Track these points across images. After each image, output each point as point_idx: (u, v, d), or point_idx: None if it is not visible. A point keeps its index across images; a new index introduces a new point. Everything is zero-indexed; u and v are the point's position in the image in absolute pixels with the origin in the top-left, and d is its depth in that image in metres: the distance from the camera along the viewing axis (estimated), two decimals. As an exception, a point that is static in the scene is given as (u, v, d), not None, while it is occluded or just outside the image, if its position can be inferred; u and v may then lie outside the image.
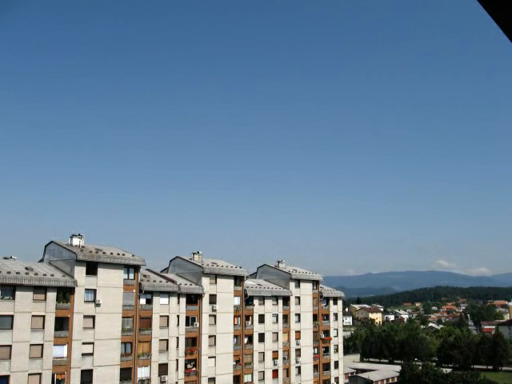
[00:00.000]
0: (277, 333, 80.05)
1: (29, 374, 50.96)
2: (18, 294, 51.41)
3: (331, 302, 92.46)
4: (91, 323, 56.37)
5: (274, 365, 78.80)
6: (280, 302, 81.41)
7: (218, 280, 72.57)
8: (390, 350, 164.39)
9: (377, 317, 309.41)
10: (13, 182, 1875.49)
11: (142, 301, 62.20)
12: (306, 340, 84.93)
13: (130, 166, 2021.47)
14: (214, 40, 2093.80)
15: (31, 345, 51.45)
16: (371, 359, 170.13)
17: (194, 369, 67.97)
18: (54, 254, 60.02)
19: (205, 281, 70.79)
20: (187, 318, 67.94)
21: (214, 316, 71.16)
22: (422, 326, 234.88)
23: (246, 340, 75.50)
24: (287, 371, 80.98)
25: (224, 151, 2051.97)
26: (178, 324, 66.20)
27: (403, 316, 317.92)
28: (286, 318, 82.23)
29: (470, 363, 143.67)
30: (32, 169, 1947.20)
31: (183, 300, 67.39)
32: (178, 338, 65.77)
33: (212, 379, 69.73)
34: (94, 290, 57.16)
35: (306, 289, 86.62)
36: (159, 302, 63.72)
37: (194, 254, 75.13)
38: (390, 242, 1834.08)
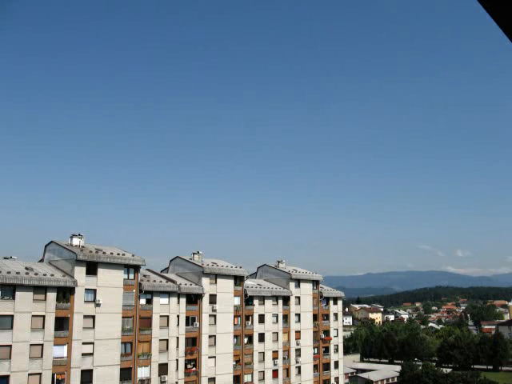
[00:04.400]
0: (277, 333, 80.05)
1: (29, 374, 50.96)
2: (17, 294, 51.40)
3: (331, 301, 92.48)
4: (91, 323, 56.37)
5: (274, 365, 78.80)
6: (280, 302, 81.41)
7: (218, 280, 72.57)
8: (390, 350, 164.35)
9: (377, 317, 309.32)
10: (13, 181, 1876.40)
11: (142, 301, 62.20)
12: (306, 340, 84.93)
13: (129, 166, 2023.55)
14: (215, 39, 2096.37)
15: (31, 345, 51.44)
16: (371, 359, 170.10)
17: (194, 369, 67.97)
18: (54, 254, 60.03)
19: (205, 281, 70.79)
20: (187, 318, 67.94)
21: (214, 316, 71.16)
22: (422, 326, 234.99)
23: (245, 340, 75.50)
24: (287, 371, 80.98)
25: (224, 150, 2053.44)
26: (178, 324, 66.20)
27: (403, 316, 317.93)
28: (286, 318, 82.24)
29: (470, 363, 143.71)
30: (32, 168, 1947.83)
31: (183, 300, 67.38)
32: (177, 338, 65.78)
33: (212, 379, 69.73)
34: (94, 290, 57.15)
35: (306, 289, 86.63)
36: (159, 302, 63.72)
37: (194, 253, 75.15)
38: (390, 242, 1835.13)
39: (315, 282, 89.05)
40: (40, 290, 53.17)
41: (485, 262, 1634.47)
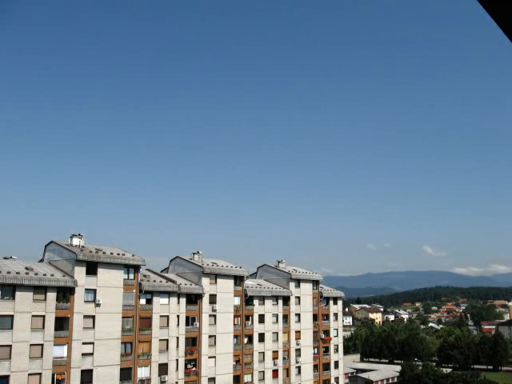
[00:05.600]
0: (277, 333, 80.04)
1: (29, 374, 50.96)
2: (17, 294, 51.40)
3: (331, 301, 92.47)
4: (91, 323, 56.37)
5: (274, 365, 78.79)
6: (280, 301, 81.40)
7: (218, 280, 72.57)
8: (390, 349, 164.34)
9: (377, 317, 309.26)
10: (13, 181, 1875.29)
11: (142, 301, 62.20)
12: (306, 340, 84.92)
13: (129, 166, 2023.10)
14: (215, 40, 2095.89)
15: (31, 345, 51.44)
16: (371, 359, 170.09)
17: (194, 369, 67.97)
18: (54, 254, 60.04)
19: (205, 281, 70.79)
20: (187, 318, 67.94)
21: (214, 316, 71.16)
22: (422, 326, 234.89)
23: (246, 340, 75.49)
24: (287, 371, 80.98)
25: (224, 150, 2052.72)
26: (178, 324, 66.19)
27: (403, 316, 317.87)
28: (286, 317, 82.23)
29: (470, 363, 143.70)
30: (32, 168, 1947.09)
31: (183, 300, 67.39)
32: (177, 338, 65.78)
33: (212, 379, 69.74)
34: (94, 290, 57.15)
35: (306, 289, 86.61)
36: (159, 301, 63.72)
37: (194, 253, 75.15)
38: (390, 242, 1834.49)
39: (315, 282, 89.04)
40: (40, 290, 53.17)
41: (485, 261, 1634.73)
